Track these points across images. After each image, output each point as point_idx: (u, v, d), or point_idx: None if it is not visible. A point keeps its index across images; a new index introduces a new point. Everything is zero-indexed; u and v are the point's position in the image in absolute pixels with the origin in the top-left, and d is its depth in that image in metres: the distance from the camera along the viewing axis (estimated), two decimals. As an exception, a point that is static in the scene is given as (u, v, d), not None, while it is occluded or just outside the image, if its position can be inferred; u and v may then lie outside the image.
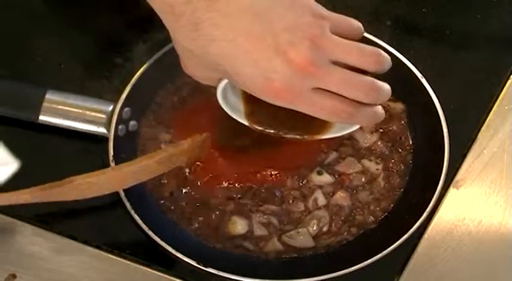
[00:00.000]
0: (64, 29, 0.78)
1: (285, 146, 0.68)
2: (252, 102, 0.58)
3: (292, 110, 0.53)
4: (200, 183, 0.67)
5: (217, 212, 0.66)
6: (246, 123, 0.59)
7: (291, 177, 0.67)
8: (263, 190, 0.67)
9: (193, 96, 0.72)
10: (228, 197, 0.67)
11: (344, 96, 0.51)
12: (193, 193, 0.67)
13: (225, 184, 0.67)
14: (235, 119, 0.61)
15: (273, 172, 0.67)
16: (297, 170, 0.67)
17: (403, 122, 0.70)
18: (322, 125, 0.59)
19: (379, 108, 0.55)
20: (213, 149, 0.68)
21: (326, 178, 0.67)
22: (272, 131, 0.59)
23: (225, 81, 0.55)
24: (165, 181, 0.67)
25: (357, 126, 0.58)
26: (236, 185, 0.67)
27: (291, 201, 0.66)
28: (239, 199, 0.66)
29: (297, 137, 0.60)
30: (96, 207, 0.67)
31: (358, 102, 0.52)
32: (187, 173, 0.67)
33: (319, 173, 0.67)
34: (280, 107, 0.52)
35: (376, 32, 0.70)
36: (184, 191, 0.67)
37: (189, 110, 0.71)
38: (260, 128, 0.60)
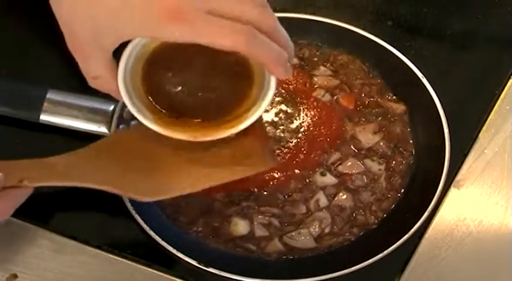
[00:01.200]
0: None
1: (285, 149, 0.68)
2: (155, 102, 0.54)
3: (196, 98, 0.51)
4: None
5: (219, 214, 0.66)
6: (153, 127, 0.52)
7: (294, 179, 0.67)
8: (265, 193, 0.67)
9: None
10: (230, 200, 0.67)
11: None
12: (194, 195, 0.67)
13: (227, 188, 0.66)
14: None
15: (276, 175, 0.67)
16: (301, 172, 0.67)
17: (404, 122, 0.71)
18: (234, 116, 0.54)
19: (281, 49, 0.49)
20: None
21: (329, 179, 0.67)
22: (181, 134, 0.53)
23: (121, 75, 0.50)
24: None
25: (270, 97, 0.51)
26: (238, 188, 0.67)
27: (293, 203, 0.66)
28: (241, 202, 0.66)
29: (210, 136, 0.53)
30: (97, 207, 0.67)
31: None
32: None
33: (323, 174, 0.67)
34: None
35: (377, 32, 0.71)
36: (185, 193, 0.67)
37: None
38: (167, 132, 0.53)
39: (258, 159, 0.59)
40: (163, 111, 0.54)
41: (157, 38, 0.50)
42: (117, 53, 0.50)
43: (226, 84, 0.54)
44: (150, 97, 0.53)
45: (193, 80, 0.54)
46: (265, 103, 0.51)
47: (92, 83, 0.52)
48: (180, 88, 0.54)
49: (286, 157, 0.68)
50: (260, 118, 0.55)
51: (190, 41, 0.46)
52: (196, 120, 0.54)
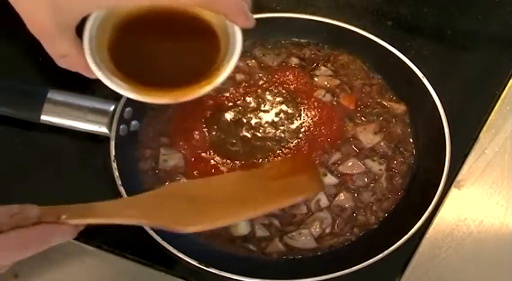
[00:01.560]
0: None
1: (286, 149, 0.68)
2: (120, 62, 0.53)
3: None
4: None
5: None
6: (131, 95, 0.52)
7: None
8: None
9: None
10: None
11: None
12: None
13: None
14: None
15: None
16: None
17: (405, 123, 0.71)
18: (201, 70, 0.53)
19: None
20: (211, 154, 0.68)
21: (330, 179, 0.67)
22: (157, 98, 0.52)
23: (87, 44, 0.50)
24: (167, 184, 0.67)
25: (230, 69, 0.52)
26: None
27: (294, 204, 0.66)
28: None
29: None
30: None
31: None
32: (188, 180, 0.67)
33: (323, 175, 0.67)
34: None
35: (377, 32, 0.71)
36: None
37: (188, 112, 0.71)
38: (145, 97, 0.52)
39: (307, 185, 0.60)
40: (136, 80, 0.53)
41: (117, 6, 0.50)
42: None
43: (194, 47, 0.54)
44: (119, 68, 0.53)
45: (160, 47, 0.54)
46: (235, 57, 0.52)
47: (59, 63, 0.52)
48: (148, 56, 0.53)
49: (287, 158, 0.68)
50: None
51: (151, 4, 0.45)
52: (170, 85, 0.53)
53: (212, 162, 0.68)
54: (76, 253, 0.65)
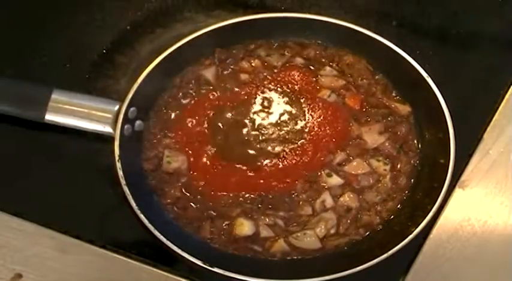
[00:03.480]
0: (69, 29, 0.78)
1: (291, 150, 0.68)
2: None
3: None
4: (205, 190, 0.67)
5: (224, 215, 0.66)
6: None
7: (300, 180, 0.67)
8: (271, 197, 0.67)
9: (196, 98, 0.72)
10: (236, 202, 0.67)
11: None
12: (199, 198, 0.67)
13: (231, 193, 0.67)
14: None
15: (282, 178, 0.67)
16: (307, 173, 0.67)
17: (410, 123, 0.70)
18: None
19: None
20: (214, 156, 0.68)
21: (335, 180, 0.67)
22: None
23: None
24: (170, 187, 0.67)
25: None
26: (242, 193, 0.67)
27: (299, 204, 0.66)
28: (247, 203, 0.67)
29: None
30: (101, 207, 0.67)
31: None
32: (192, 181, 0.68)
33: (329, 175, 0.67)
34: None
35: (382, 32, 0.71)
36: (190, 196, 0.67)
37: (191, 114, 0.71)
38: None
39: None
40: None
41: None
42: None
43: None
44: None
45: None
46: None
47: None
48: None
49: (292, 158, 0.68)
50: None
51: None
52: None
53: (215, 164, 0.68)
54: (81, 253, 0.65)
